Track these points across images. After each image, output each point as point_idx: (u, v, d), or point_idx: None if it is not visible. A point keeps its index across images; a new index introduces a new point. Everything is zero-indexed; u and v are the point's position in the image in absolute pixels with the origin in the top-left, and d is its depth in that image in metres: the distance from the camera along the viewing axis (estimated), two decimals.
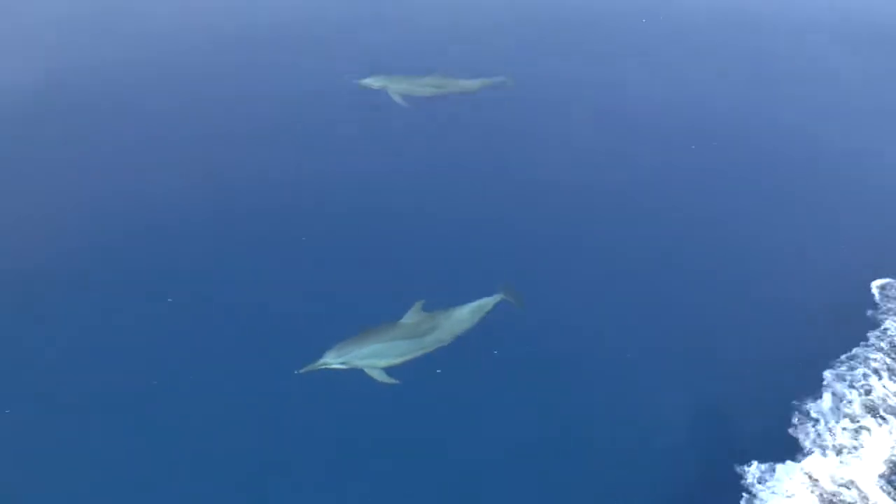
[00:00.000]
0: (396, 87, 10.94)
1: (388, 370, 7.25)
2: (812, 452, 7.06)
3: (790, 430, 7.28)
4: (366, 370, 7.22)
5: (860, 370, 7.80)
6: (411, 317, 7.41)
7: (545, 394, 7.43)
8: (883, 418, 7.35)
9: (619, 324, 8.18)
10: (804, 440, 7.20)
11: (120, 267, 8.79)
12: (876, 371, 7.79)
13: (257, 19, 13.96)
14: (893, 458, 7.05)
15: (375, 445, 6.98)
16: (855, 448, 7.11)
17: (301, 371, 7.13)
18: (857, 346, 8.08)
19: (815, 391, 7.60)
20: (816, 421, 7.34)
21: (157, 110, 11.21)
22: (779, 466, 6.94)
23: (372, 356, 7.19)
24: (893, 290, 8.83)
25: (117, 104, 11.44)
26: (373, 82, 11.09)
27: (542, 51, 13.21)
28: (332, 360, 7.18)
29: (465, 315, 7.58)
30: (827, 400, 7.51)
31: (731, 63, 13.09)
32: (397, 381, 7.16)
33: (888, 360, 7.93)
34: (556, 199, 9.87)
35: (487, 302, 7.77)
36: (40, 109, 11.30)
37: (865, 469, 6.94)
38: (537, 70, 12.48)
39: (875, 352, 8.02)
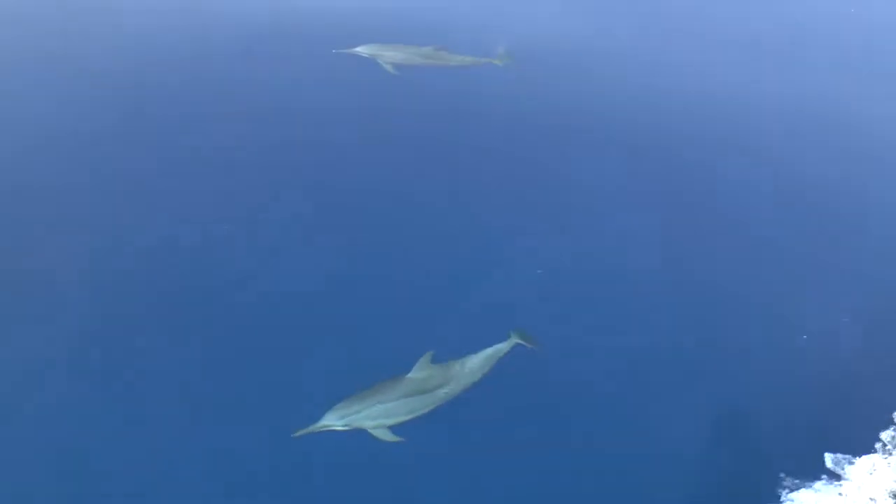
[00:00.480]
0: (388, 56, 10.62)
1: (394, 427, 6.52)
2: None
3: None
4: (370, 431, 6.48)
5: None
6: (420, 370, 6.74)
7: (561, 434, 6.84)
8: None
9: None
10: None
11: None
12: None
13: None
14: None
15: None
16: None
17: (296, 434, 6.34)
18: None
19: None
20: None
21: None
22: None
23: (379, 416, 6.47)
24: None
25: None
26: (363, 50, 10.74)
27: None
28: (334, 422, 6.42)
29: (477, 364, 6.93)
30: None
31: None
32: (402, 439, 6.43)
33: None
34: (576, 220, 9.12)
35: (501, 348, 7.13)
36: None
37: None
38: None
39: None
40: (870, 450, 6.83)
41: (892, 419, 7.10)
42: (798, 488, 6.43)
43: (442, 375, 6.75)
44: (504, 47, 11.21)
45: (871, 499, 6.34)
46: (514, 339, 7.22)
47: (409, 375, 6.72)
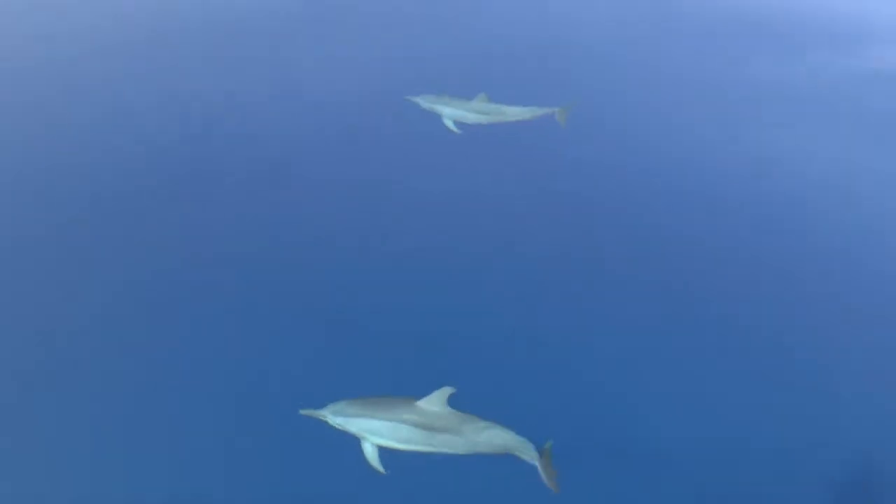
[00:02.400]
0: (447, 111, 10.07)
1: (385, 453, 6.11)
2: None
3: None
4: (361, 442, 6.14)
5: None
6: (431, 403, 6.14)
7: None
8: None
9: None
10: None
11: None
12: None
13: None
14: None
15: None
16: None
17: (303, 412, 6.28)
18: None
19: None
20: None
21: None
22: None
23: (370, 430, 6.08)
24: None
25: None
26: (422, 102, 10.25)
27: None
28: (330, 417, 6.16)
29: (490, 439, 6.13)
30: None
31: None
32: (384, 472, 6.05)
33: None
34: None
35: (521, 447, 6.15)
36: None
37: None
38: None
39: None
40: None
41: None
42: None
43: (449, 421, 6.15)
44: (565, 102, 10.36)
45: None
46: (536, 458, 6.16)
47: (418, 403, 6.18)
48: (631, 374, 7.39)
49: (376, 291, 7.96)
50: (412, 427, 6.06)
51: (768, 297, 8.34)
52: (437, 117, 10.15)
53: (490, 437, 6.12)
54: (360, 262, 8.28)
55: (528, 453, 6.15)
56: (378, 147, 10.13)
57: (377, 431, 6.09)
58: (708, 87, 11.89)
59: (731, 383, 7.37)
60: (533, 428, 6.42)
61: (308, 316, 7.62)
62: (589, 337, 7.71)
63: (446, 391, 6.21)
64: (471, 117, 10.05)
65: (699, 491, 6.50)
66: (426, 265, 8.30)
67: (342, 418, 6.13)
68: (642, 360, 7.52)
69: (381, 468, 6.09)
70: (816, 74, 12.41)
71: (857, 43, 13.35)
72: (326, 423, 6.24)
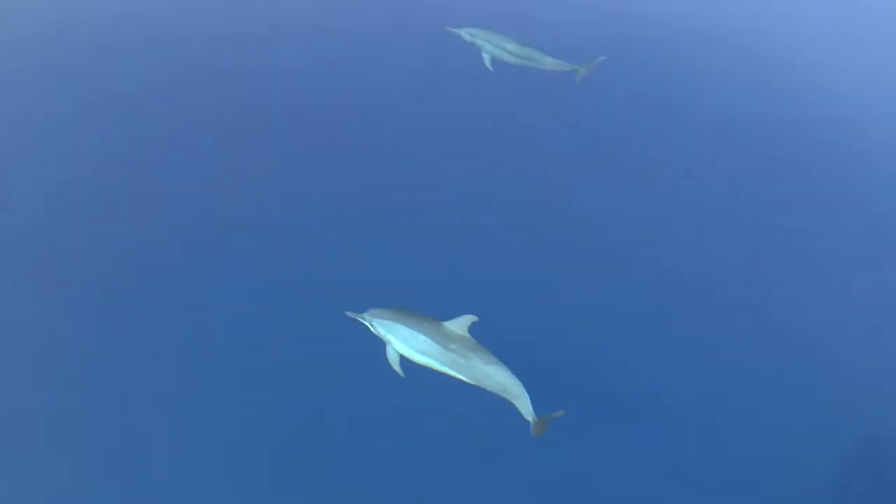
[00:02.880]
0: (488, 48, 10.26)
1: (405, 363, 6.63)
2: None
3: None
4: (385, 346, 6.70)
5: None
6: (454, 325, 6.51)
7: None
8: None
9: None
10: None
11: None
12: None
13: None
14: None
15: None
16: None
17: (349, 314, 6.82)
18: None
19: None
20: None
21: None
22: None
23: (394, 334, 6.57)
24: None
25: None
26: (464, 34, 10.41)
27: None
28: (367, 317, 6.72)
29: (493, 374, 6.39)
30: None
31: None
32: (402, 376, 6.61)
33: None
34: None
35: (519, 396, 6.36)
36: None
37: None
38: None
39: None
40: None
41: None
42: None
43: (465, 346, 6.46)
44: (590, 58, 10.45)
45: None
46: (533, 417, 6.34)
47: (444, 323, 6.54)
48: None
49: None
50: (429, 340, 6.45)
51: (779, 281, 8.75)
52: (475, 53, 10.41)
53: (493, 373, 6.37)
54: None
55: (525, 407, 6.32)
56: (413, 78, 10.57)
57: (400, 336, 6.54)
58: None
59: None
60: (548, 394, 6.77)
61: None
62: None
63: (469, 318, 6.53)
64: (510, 58, 10.22)
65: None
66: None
67: (377, 320, 6.66)
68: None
69: (400, 371, 6.58)
70: None
71: None
72: (363, 323, 6.76)
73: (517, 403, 6.39)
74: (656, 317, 8.09)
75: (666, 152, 10.34)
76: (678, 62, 12.09)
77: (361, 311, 6.85)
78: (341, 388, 7.20)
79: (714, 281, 8.60)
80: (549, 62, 10.32)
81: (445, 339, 6.50)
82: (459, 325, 6.55)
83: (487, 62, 10.28)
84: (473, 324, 6.55)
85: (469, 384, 6.47)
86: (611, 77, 11.15)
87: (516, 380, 6.39)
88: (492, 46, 10.27)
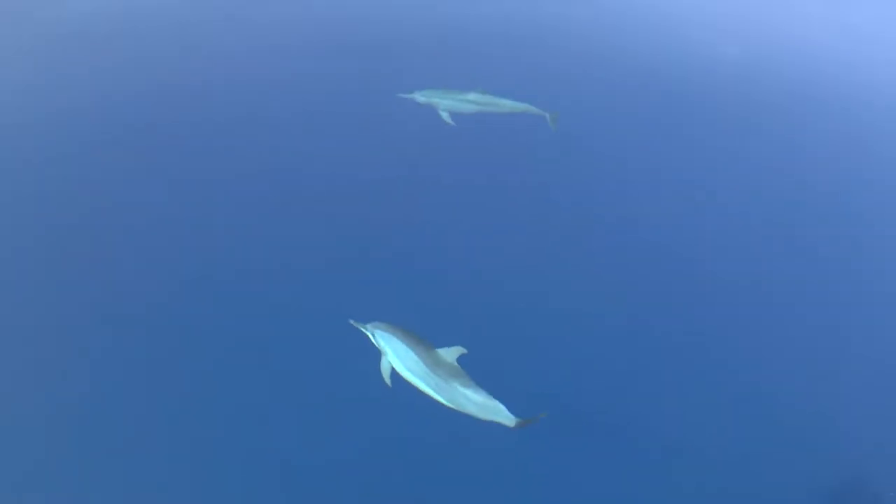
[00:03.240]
0: (444, 104, 10.17)
1: (395, 377, 7.08)
2: None
3: None
4: (381, 357, 7.16)
5: None
6: (444, 353, 7.00)
7: None
8: None
9: None
10: None
11: None
12: None
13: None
14: None
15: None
16: None
17: (352, 322, 7.33)
18: None
19: None
20: None
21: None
22: None
23: (390, 346, 7.08)
24: None
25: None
26: (419, 97, 10.32)
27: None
28: (369, 328, 7.26)
29: (468, 396, 6.85)
30: None
31: None
32: (389, 385, 7.08)
33: None
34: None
35: (495, 410, 6.83)
36: None
37: None
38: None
39: None
40: None
41: None
42: None
43: (449, 372, 6.92)
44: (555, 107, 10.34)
45: None
46: (514, 421, 6.78)
47: (437, 349, 6.99)
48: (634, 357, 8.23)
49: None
50: (419, 361, 6.96)
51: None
52: (431, 112, 10.28)
53: (469, 395, 6.85)
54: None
55: (506, 418, 6.78)
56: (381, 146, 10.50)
57: (395, 350, 7.05)
58: None
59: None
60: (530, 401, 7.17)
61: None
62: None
63: (458, 350, 7.03)
64: (470, 107, 10.17)
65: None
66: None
67: (378, 332, 7.17)
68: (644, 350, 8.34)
69: (388, 381, 7.07)
70: None
71: None
72: (365, 333, 7.29)
73: (498, 419, 6.84)
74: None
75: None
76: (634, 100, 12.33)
77: (365, 322, 7.35)
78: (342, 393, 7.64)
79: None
80: (511, 105, 10.31)
81: (433, 363, 6.99)
82: (448, 353, 7.05)
83: (446, 118, 10.17)
84: (462, 355, 7.03)
85: (449, 407, 6.92)
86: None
87: (492, 399, 6.85)
88: (449, 101, 10.20)
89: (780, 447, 7.58)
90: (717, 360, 8.34)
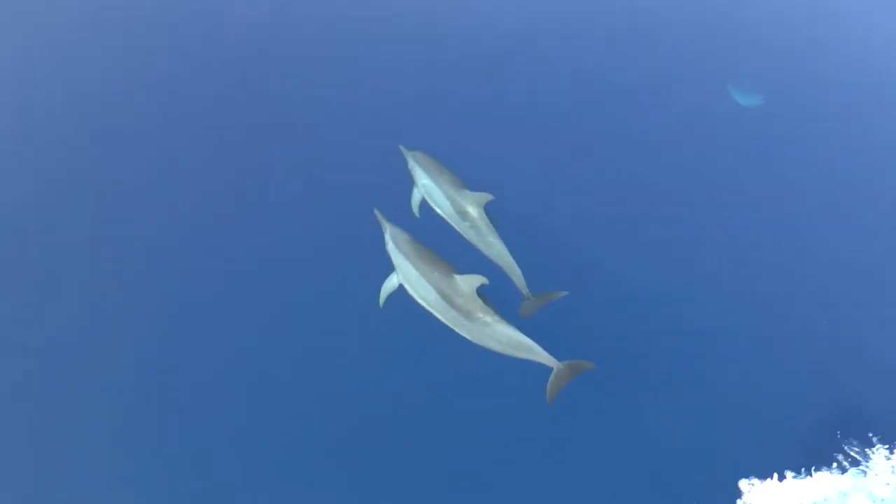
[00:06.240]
0: (428, 191, 7.56)
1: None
2: None
3: None
4: (391, 274, 6.68)
5: None
6: (464, 282, 6.24)
7: None
8: None
9: None
10: None
11: None
12: None
13: None
14: None
15: None
16: None
17: (377, 212, 7.06)
18: None
19: None
20: None
21: None
22: None
23: (403, 270, 6.47)
24: None
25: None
26: (411, 162, 7.81)
27: None
28: (388, 233, 6.73)
29: (497, 334, 6.19)
30: None
31: None
32: (381, 306, 6.73)
33: None
34: None
35: (539, 354, 6.19)
36: None
37: None
38: None
39: None
40: None
41: None
42: None
43: (469, 304, 6.26)
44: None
45: None
46: (557, 363, 6.18)
47: (456, 276, 6.33)
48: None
49: None
50: (434, 290, 6.34)
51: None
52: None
53: (497, 333, 6.21)
54: None
55: (545, 357, 6.16)
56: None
57: (407, 275, 6.49)
58: None
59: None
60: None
61: None
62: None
63: (479, 279, 6.31)
64: (447, 213, 7.43)
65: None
66: None
67: (392, 245, 6.66)
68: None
69: (382, 301, 6.64)
70: None
71: None
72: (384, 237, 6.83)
73: (539, 359, 6.24)
74: None
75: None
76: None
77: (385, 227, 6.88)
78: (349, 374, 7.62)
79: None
80: (497, 252, 7.20)
81: (451, 293, 6.33)
82: (468, 283, 6.35)
83: (415, 206, 7.68)
84: (483, 286, 6.44)
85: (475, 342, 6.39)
86: None
87: (525, 337, 6.25)
88: (438, 196, 7.48)
89: None
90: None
